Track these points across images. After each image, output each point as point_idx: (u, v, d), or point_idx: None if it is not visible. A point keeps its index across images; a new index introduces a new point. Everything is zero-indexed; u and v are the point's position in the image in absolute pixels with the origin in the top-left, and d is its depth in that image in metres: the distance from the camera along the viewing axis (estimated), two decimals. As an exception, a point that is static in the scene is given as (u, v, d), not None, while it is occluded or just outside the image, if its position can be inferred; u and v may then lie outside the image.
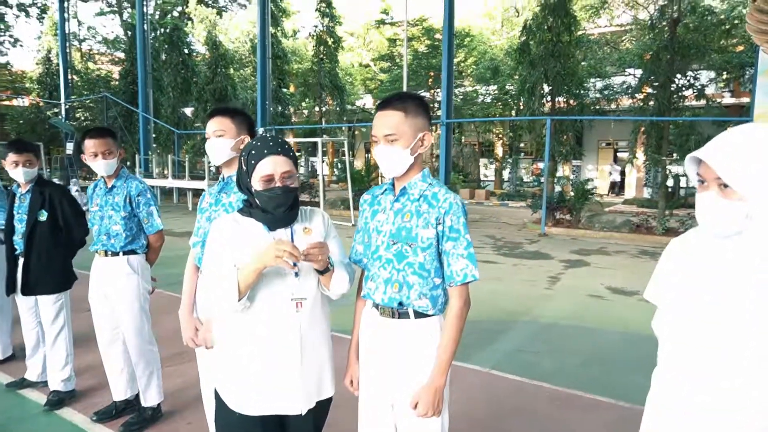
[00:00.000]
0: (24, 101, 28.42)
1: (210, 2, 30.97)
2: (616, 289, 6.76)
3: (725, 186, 1.14)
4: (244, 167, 1.66)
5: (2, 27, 27.90)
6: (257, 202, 1.65)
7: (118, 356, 3.03)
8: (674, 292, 1.30)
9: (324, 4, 19.55)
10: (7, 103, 28.63)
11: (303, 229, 1.74)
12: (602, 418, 3.28)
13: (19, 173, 3.24)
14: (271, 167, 1.61)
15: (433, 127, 19.71)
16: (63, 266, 3.30)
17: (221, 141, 2.25)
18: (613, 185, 22.94)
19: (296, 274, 1.67)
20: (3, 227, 3.51)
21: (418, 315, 1.71)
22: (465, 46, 19.62)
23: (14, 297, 3.43)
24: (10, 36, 28.94)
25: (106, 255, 2.96)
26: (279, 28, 22.24)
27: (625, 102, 15.30)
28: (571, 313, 5.63)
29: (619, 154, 23.90)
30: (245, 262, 1.58)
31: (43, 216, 3.23)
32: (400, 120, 1.68)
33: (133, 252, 2.96)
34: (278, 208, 1.64)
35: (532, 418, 3.24)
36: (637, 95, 13.39)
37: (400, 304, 1.71)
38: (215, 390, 1.73)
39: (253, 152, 1.62)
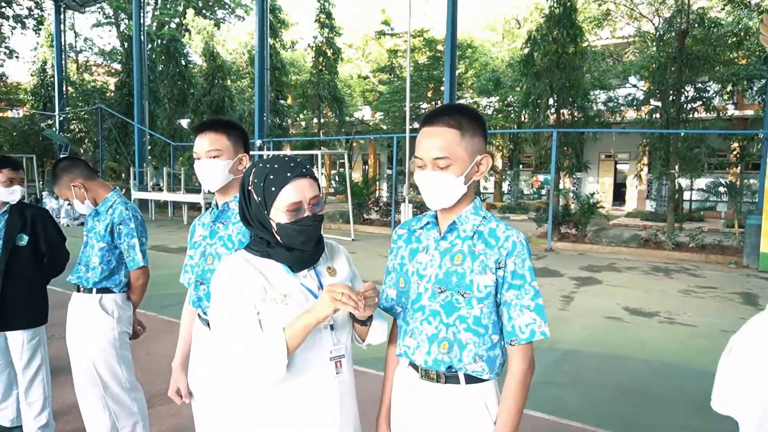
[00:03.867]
0: (18, 113, 28.09)
1: (208, 14, 30.88)
2: (634, 310, 6.43)
3: None
4: (258, 197, 1.33)
5: (-2, 38, 27.67)
6: (278, 238, 1.34)
7: (95, 401, 2.63)
8: None
9: (324, 15, 19.34)
10: (0, 114, 28.28)
11: (327, 270, 1.44)
12: (646, 467, 2.93)
13: (16, 192, 2.90)
14: (298, 194, 1.31)
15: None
16: (43, 297, 2.96)
17: (217, 163, 1.88)
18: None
19: (332, 327, 1.37)
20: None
21: (470, 379, 1.38)
22: (467, 57, 19.42)
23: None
24: (6, 48, 28.63)
25: (79, 290, 2.60)
26: (277, 39, 22.04)
27: (629, 114, 15.09)
28: (590, 338, 5.29)
29: (619, 167, 23.74)
30: (291, 320, 1.28)
31: (23, 240, 2.90)
32: (455, 140, 1.35)
33: (107, 290, 2.57)
34: (307, 243, 1.34)
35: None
36: (642, 107, 13.17)
37: (450, 367, 1.37)
38: None
39: (272, 177, 1.31)
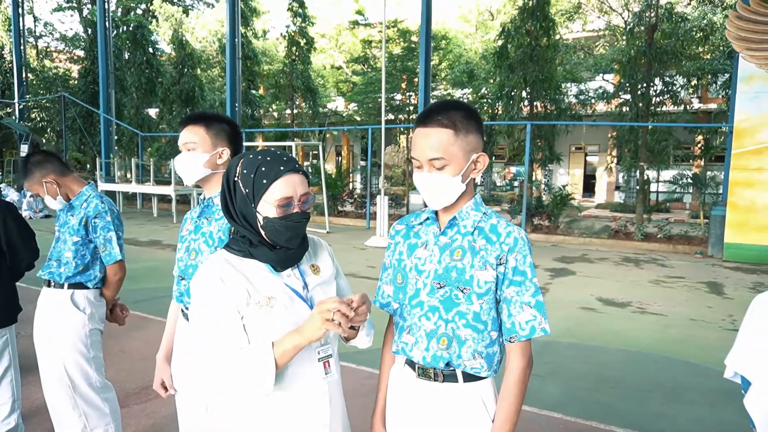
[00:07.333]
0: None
1: (175, 0, 30.02)
2: (607, 301, 6.56)
3: None
4: (246, 188, 1.29)
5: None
6: (262, 234, 1.30)
7: (65, 401, 2.52)
8: None
9: (296, 4, 19.00)
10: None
11: (310, 267, 1.40)
12: (627, 456, 2.98)
13: None
14: (290, 188, 1.27)
15: (407, 131, 19.48)
16: (10, 296, 2.81)
17: (192, 156, 1.86)
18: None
19: None
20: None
21: (468, 378, 1.36)
22: (441, 49, 19.38)
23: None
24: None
25: (49, 285, 2.50)
26: (249, 28, 21.58)
27: (599, 107, 15.34)
28: (567, 329, 5.36)
29: (588, 158, 24.19)
30: (276, 323, 1.26)
31: (-16, 238, 2.74)
32: (449, 139, 1.32)
33: (79, 285, 2.48)
34: (292, 240, 1.30)
35: (553, 460, 2.92)
36: (612, 100, 13.41)
37: (448, 364, 1.35)
38: None
39: (264, 169, 1.27)
